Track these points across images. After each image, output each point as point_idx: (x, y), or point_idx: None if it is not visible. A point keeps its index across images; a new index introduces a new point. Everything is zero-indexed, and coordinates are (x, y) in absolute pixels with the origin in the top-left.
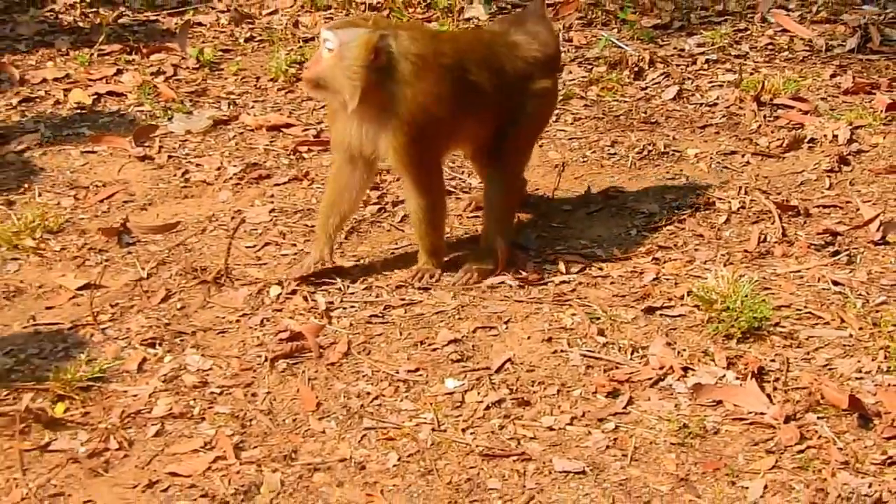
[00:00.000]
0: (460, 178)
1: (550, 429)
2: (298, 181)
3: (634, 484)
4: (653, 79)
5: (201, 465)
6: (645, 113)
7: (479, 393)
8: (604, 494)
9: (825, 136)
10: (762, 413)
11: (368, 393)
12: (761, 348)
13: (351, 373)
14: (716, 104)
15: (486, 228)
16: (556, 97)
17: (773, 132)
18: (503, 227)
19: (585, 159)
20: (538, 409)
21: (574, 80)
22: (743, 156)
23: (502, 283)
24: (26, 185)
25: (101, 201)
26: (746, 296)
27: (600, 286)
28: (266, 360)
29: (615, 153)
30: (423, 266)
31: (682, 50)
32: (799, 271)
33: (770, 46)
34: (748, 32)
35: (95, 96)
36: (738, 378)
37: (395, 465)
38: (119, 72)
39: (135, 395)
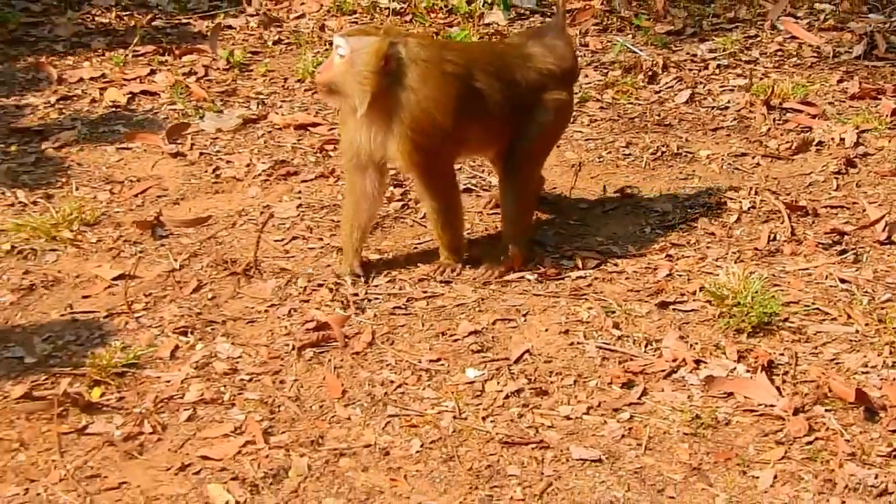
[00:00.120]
0: (480, 177)
1: (567, 418)
2: (325, 178)
3: (649, 472)
4: (666, 83)
5: (232, 449)
6: (658, 115)
7: (498, 382)
8: (619, 482)
9: (832, 139)
10: (772, 405)
11: (392, 381)
12: (771, 343)
13: (375, 362)
14: (727, 108)
15: (504, 230)
16: (570, 110)
17: (782, 135)
18: (518, 230)
19: (601, 159)
20: (556, 398)
21: (590, 83)
22: (753, 157)
23: (521, 277)
24: (64, 180)
25: (136, 195)
26: (756, 292)
27: (615, 281)
28: (294, 348)
29: (630, 154)
30: (445, 261)
31: (695, 55)
32: (807, 269)
33: (779, 52)
34: (758, 39)
35: (130, 95)
36: (748, 371)
37: (417, 452)
38: (153, 72)
39: (168, 381)
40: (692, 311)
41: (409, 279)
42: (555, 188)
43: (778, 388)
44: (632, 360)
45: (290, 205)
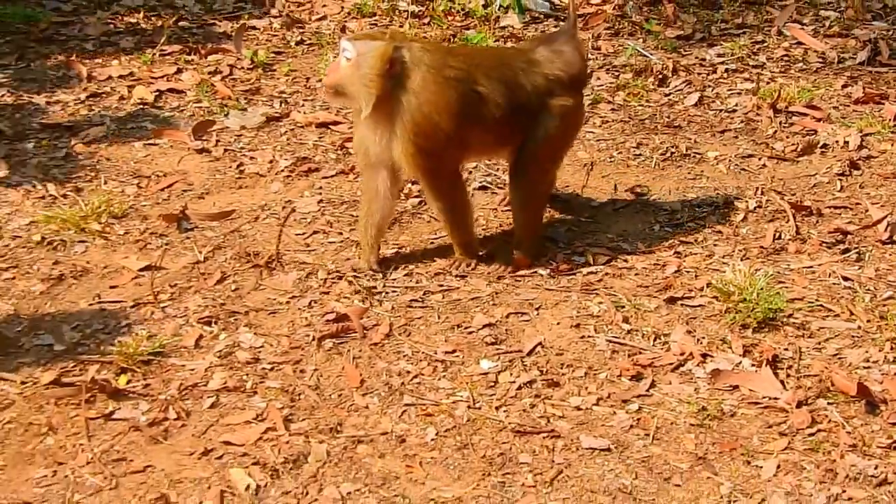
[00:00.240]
0: (495, 175)
1: (578, 408)
2: (345, 174)
3: (656, 461)
4: (676, 86)
5: (253, 435)
6: (668, 117)
7: (511, 374)
8: (627, 470)
9: (837, 142)
10: (776, 398)
11: (408, 372)
12: (775, 337)
13: (392, 353)
14: (734, 110)
15: (515, 230)
16: (580, 115)
17: (788, 137)
18: (527, 231)
19: (612, 159)
20: (567, 389)
21: (602, 85)
22: (760, 159)
23: (534, 272)
24: (93, 174)
25: (162, 190)
26: (762, 288)
27: (625, 277)
28: (314, 339)
29: (640, 154)
30: (459, 257)
31: (704, 59)
32: (811, 267)
33: (786, 58)
34: (765, 44)
35: (157, 93)
36: (753, 365)
37: (433, 439)
38: (179, 71)
39: (192, 369)
40: (699, 306)
41: (426, 273)
42: (567, 186)
43: (782, 382)
44: (640, 353)
45: (311, 200)
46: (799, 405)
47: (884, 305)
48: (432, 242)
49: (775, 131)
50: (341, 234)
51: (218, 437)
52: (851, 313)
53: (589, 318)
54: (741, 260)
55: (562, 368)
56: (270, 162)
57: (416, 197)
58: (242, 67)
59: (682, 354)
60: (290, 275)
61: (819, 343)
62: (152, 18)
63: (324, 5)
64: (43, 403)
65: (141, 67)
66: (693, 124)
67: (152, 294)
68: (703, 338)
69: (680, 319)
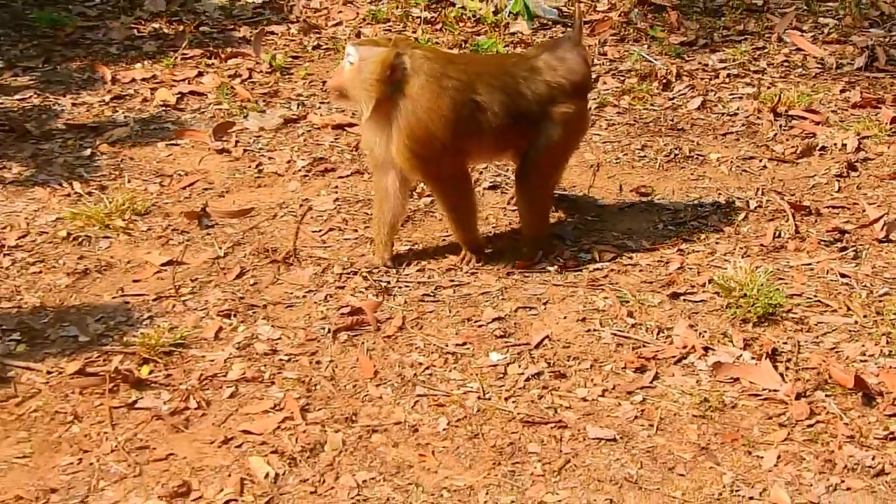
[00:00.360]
0: (505, 175)
1: (584, 399)
2: (359, 174)
3: (660, 451)
4: (679, 90)
5: (271, 425)
6: (672, 121)
7: (520, 366)
8: (632, 460)
9: (835, 144)
10: (775, 390)
11: (421, 363)
12: (775, 332)
13: (405, 345)
14: (736, 114)
15: (522, 230)
16: (583, 121)
17: (787, 140)
18: (533, 231)
19: (618, 160)
20: (573, 381)
21: (608, 90)
22: (760, 161)
23: (542, 268)
24: (117, 173)
25: (184, 188)
26: (762, 285)
27: (630, 273)
28: (329, 331)
29: (645, 156)
30: (467, 253)
31: (706, 65)
32: (810, 264)
33: (786, 63)
34: (766, 50)
35: (179, 95)
36: (753, 358)
37: (444, 429)
38: (200, 74)
39: (212, 360)
40: (701, 301)
41: (438, 269)
42: (574, 186)
43: (781, 375)
44: (644, 346)
45: (328, 199)
46: (798, 397)
47: (880, 301)
48: (444, 239)
49: (775, 134)
50: (356, 231)
51: (237, 426)
52: (848, 309)
53: (595, 313)
54: (742, 257)
55: (568, 361)
56: (288, 162)
57: (427, 196)
58: (261, 71)
59: (684, 348)
60: (306, 270)
61: (817, 337)
62: (174, 24)
63: (339, 11)
64: (68, 393)
65: (163, 71)
66: (696, 127)
67: (174, 288)
68: (705, 332)
69: (682, 314)
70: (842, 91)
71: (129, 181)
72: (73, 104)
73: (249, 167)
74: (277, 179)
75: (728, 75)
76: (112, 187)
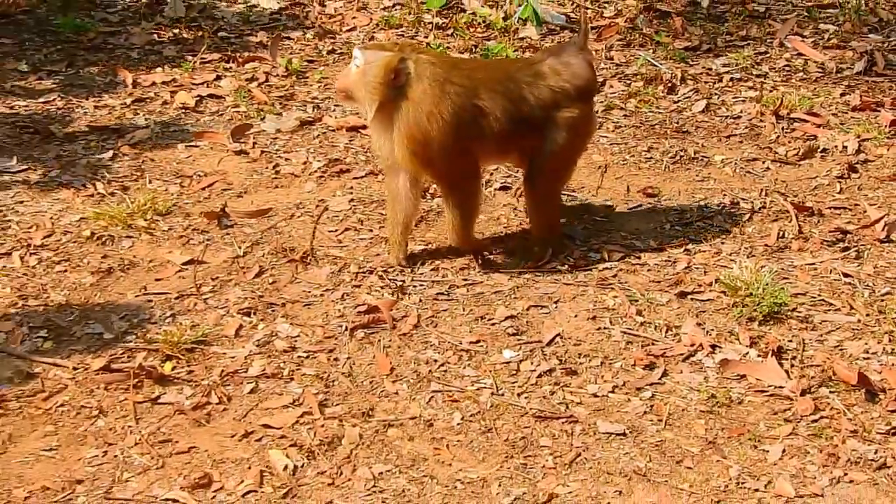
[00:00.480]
0: (516, 176)
1: (595, 395)
2: (374, 175)
3: (668, 445)
4: (684, 93)
5: (290, 419)
6: (677, 123)
7: (532, 363)
8: (641, 454)
9: (836, 146)
10: (781, 386)
11: (436, 360)
12: (780, 330)
13: (420, 342)
14: (739, 117)
15: (532, 230)
16: (588, 125)
17: (789, 142)
18: (542, 233)
19: (625, 162)
20: (584, 378)
21: (615, 93)
22: (764, 162)
23: (553, 268)
24: (138, 174)
25: (203, 189)
26: (767, 284)
27: (638, 272)
28: (346, 329)
29: (651, 158)
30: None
31: (710, 69)
32: (813, 264)
33: (787, 68)
34: (768, 55)
35: (198, 98)
36: (759, 355)
37: (458, 424)
38: (218, 77)
39: (233, 357)
40: (708, 300)
41: (451, 268)
42: (583, 188)
43: (787, 372)
44: (653, 344)
45: (343, 199)
46: (803, 393)
47: (882, 300)
48: None
49: (778, 136)
50: (371, 231)
51: (257, 421)
52: (851, 307)
53: (605, 311)
54: (747, 257)
55: (579, 358)
56: (304, 163)
57: (441, 196)
58: (278, 75)
59: (692, 345)
60: (323, 269)
61: (821, 335)
62: (193, 29)
63: (354, 17)
64: (94, 388)
65: (183, 74)
66: (700, 130)
67: (195, 286)
68: (712, 330)
69: (690, 313)
70: (842, 95)
71: (150, 182)
72: (96, 107)
73: (267, 168)
74: (294, 180)
75: (731, 79)
76: (134, 188)
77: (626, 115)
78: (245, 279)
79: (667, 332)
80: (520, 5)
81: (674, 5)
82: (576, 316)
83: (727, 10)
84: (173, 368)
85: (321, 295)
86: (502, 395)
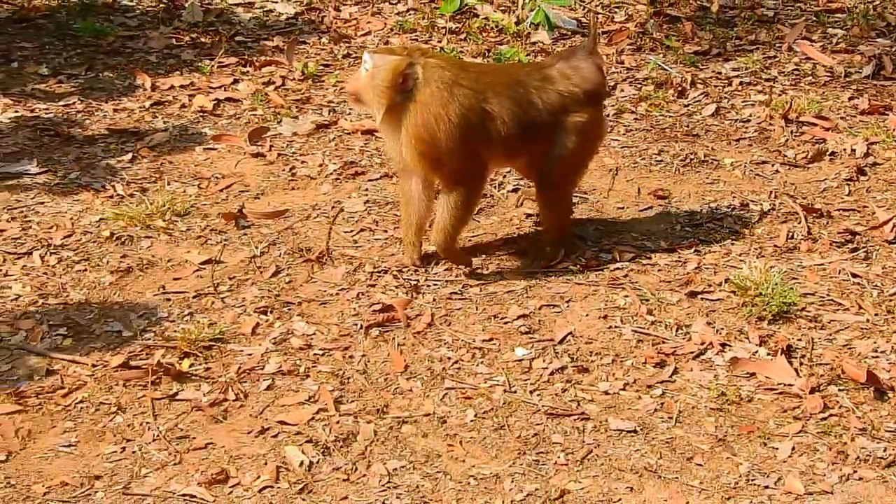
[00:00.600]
0: (523, 183)
1: (606, 393)
2: (389, 178)
3: (679, 442)
4: (694, 97)
5: (306, 416)
6: (687, 126)
7: (544, 360)
8: (652, 450)
9: (844, 149)
10: (790, 385)
11: (449, 358)
12: (789, 329)
13: (434, 340)
14: (749, 120)
15: (543, 231)
16: (598, 129)
17: (798, 145)
18: (554, 234)
19: (636, 165)
20: (595, 375)
21: (626, 97)
22: (773, 165)
23: (565, 268)
24: (157, 176)
25: (221, 190)
26: (776, 284)
27: (649, 272)
28: (361, 327)
29: (661, 160)
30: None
31: (720, 73)
32: (822, 264)
33: (796, 72)
34: (777, 59)
35: (215, 101)
36: (769, 354)
37: (472, 420)
38: (235, 81)
39: (249, 355)
40: (718, 300)
41: (464, 268)
42: (594, 190)
43: (796, 370)
44: (664, 342)
45: (358, 200)
46: (812, 391)
47: (890, 300)
48: (469, 240)
49: (787, 140)
50: (386, 231)
51: (274, 417)
52: (860, 307)
53: (616, 310)
54: (757, 258)
55: (591, 356)
56: (320, 165)
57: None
58: (294, 79)
59: (702, 344)
60: (339, 269)
61: (830, 334)
62: (211, 33)
63: (368, 22)
64: (112, 385)
65: (200, 78)
66: (710, 133)
67: (212, 285)
68: (722, 329)
69: (700, 312)
70: (850, 98)
71: (168, 183)
72: (115, 110)
73: (283, 170)
74: (310, 182)
75: (741, 83)
76: (152, 189)
77: (637, 118)
78: (262, 278)
79: (677, 330)
80: (532, 10)
81: (684, 10)
82: (587, 315)
83: (736, 15)
84: (191, 366)
85: (337, 294)
86: (515, 392)
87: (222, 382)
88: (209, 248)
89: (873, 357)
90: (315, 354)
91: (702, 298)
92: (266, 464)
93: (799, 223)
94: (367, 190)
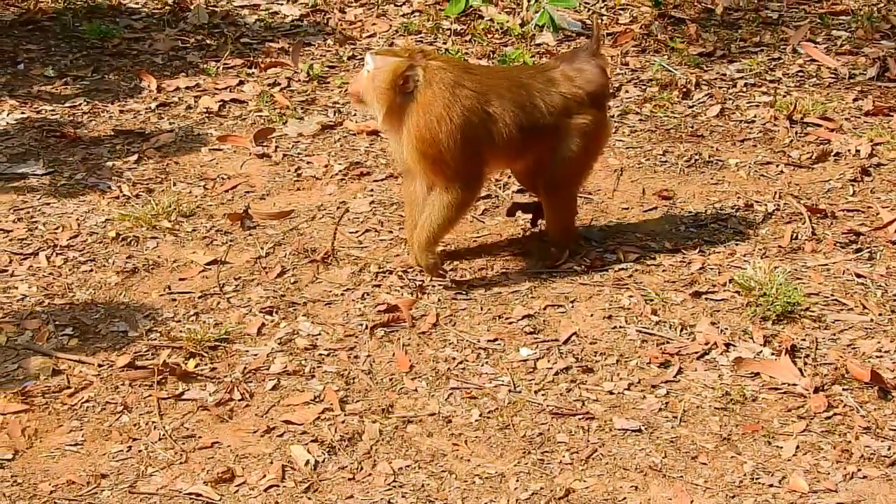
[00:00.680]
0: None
1: (611, 393)
2: (394, 178)
3: (683, 441)
4: (698, 98)
5: (312, 415)
6: (692, 127)
7: (549, 360)
8: (657, 449)
9: (849, 150)
10: (794, 384)
11: (454, 358)
12: (793, 329)
13: (439, 340)
14: (753, 121)
15: (548, 232)
16: (602, 131)
17: (803, 146)
18: (560, 235)
19: (641, 165)
20: (600, 375)
21: (630, 98)
22: (777, 166)
23: (570, 268)
24: (163, 176)
25: (227, 191)
26: (781, 284)
27: (654, 273)
28: (367, 327)
29: (666, 161)
30: (415, 261)
31: (724, 74)
32: (826, 265)
33: (800, 73)
34: (781, 61)
35: (221, 103)
36: (773, 354)
37: (476, 420)
38: (241, 82)
39: (255, 355)
40: (723, 300)
41: (469, 268)
42: (599, 190)
43: (800, 369)
44: (668, 342)
45: (364, 201)
46: (816, 391)
47: (894, 300)
48: (475, 241)
49: (791, 140)
50: (391, 232)
51: (279, 417)
52: (864, 307)
53: (620, 310)
54: (761, 258)
55: (595, 356)
56: (326, 166)
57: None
58: (299, 80)
59: (706, 344)
60: (344, 269)
61: (834, 334)
62: (216, 35)
63: (373, 24)
64: (118, 384)
65: (206, 79)
66: (715, 134)
67: (218, 286)
68: (727, 329)
69: (705, 312)
70: (854, 100)
71: (174, 184)
72: (121, 111)
73: (289, 171)
74: (315, 183)
75: (745, 84)
76: (158, 190)
77: (642, 119)
78: (267, 279)
79: (682, 330)
80: (536, 12)
81: (688, 12)
82: (592, 315)
83: (741, 17)
84: (196, 366)
85: (342, 294)
86: (520, 392)
87: (228, 382)
88: (215, 249)
89: (877, 357)
90: (320, 354)
91: (706, 298)
92: (272, 463)
93: (803, 224)
94: (372, 190)
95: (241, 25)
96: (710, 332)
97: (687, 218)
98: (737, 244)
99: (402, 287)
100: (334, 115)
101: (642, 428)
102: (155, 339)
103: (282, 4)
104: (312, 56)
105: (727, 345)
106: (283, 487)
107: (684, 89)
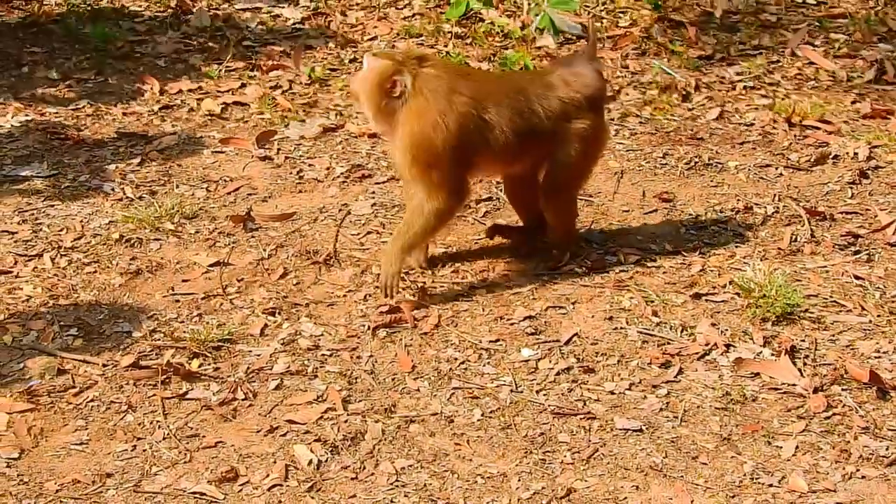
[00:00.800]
0: None
1: (612, 393)
2: (395, 181)
3: (684, 441)
4: (698, 101)
5: (315, 415)
6: (691, 130)
7: (550, 361)
8: (658, 449)
9: (847, 153)
10: (794, 384)
11: (456, 358)
12: (793, 330)
13: (441, 341)
14: (752, 124)
15: (549, 234)
16: (600, 135)
17: (802, 149)
18: (561, 237)
19: (641, 168)
20: (601, 375)
21: (630, 101)
22: (776, 168)
23: (571, 269)
24: (166, 179)
25: (229, 193)
26: (780, 286)
27: (654, 275)
28: (369, 328)
29: (666, 163)
30: (384, 266)
31: (724, 77)
32: (825, 266)
33: (799, 76)
34: (780, 64)
35: (223, 105)
36: (773, 354)
37: (478, 420)
38: (243, 85)
39: (258, 355)
40: (723, 301)
41: (471, 270)
42: (599, 193)
43: (799, 370)
44: (669, 343)
45: (365, 203)
46: (815, 391)
47: (892, 301)
48: (476, 243)
49: (790, 143)
50: (392, 234)
51: (282, 416)
52: (863, 308)
53: (621, 312)
54: (761, 260)
55: (596, 356)
56: (327, 168)
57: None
58: (301, 83)
59: (707, 345)
60: (346, 271)
61: (833, 335)
62: (218, 38)
63: (375, 27)
64: (123, 384)
65: (208, 82)
66: (714, 136)
67: (221, 287)
68: (727, 330)
69: (705, 313)
70: (853, 102)
71: (177, 186)
72: (124, 114)
73: (291, 173)
74: (317, 185)
75: (744, 87)
76: (161, 192)
77: (642, 122)
78: (270, 280)
79: (682, 331)
80: (537, 15)
81: (688, 15)
82: (593, 316)
83: (740, 21)
84: (200, 366)
85: (344, 295)
86: (521, 392)
87: (231, 382)
88: (217, 251)
89: (876, 357)
90: (323, 355)
91: (706, 300)
92: (275, 462)
93: (802, 226)
94: (373, 193)
95: (242, 28)
96: (711, 333)
97: (687, 220)
98: (736, 246)
99: (404, 288)
100: (336, 117)
101: (643, 428)
102: (159, 340)
103: (283, 7)
104: (314, 59)
105: (727, 345)
106: (286, 487)
107: (684, 92)
